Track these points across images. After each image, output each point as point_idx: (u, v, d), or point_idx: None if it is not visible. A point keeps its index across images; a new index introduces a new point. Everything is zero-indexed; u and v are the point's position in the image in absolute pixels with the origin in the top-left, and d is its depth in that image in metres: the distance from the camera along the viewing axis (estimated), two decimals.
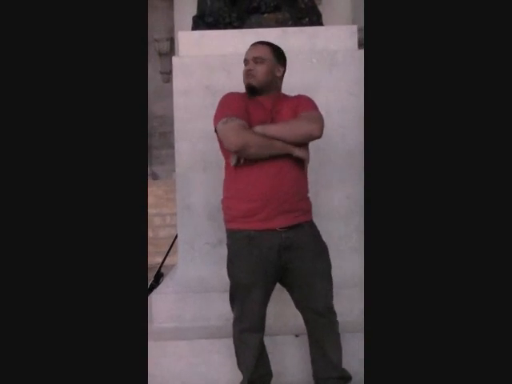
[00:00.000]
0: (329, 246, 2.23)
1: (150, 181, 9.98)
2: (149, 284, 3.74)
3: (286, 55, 2.29)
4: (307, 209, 2.21)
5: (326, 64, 2.83)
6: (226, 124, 2.08)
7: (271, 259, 2.11)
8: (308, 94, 2.30)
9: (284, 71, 2.26)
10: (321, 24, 3.15)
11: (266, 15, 3.04)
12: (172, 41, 9.85)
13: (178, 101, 2.86)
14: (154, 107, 10.47)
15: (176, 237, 3.02)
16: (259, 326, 2.19)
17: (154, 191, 8.45)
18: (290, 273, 2.15)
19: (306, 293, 2.18)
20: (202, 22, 3.09)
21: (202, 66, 2.85)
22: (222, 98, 2.22)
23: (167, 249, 4.21)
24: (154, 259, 5.52)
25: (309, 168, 2.21)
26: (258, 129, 2.07)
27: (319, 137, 2.12)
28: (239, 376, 2.28)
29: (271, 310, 2.27)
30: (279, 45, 2.31)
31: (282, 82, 2.27)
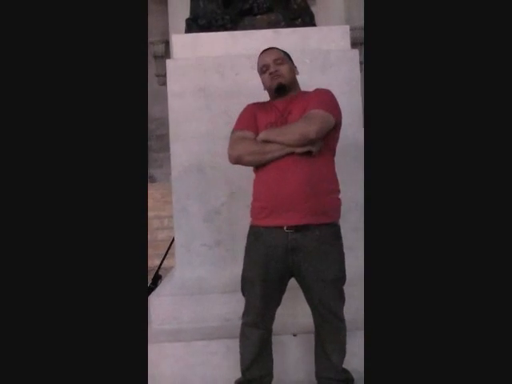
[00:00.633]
0: None
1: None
2: (147, 286, 3.76)
3: None
4: (323, 210, 2.13)
5: (319, 64, 2.85)
6: (230, 139, 2.20)
7: (276, 258, 2.11)
8: None
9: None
10: (314, 24, 3.17)
11: (258, 17, 3.06)
12: (167, 44, 9.86)
13: (173, 103, 2.87)
14: (151, 110, 10.46)
15: (173, 239, 3.03)
16: (260, 323, 2.19)
17: (152, 194, 8.44)
18: (297, 274, 2.16)
19: (312, 296, 2.18)
20: (195, 24, 3.10)
21: (196, 68, 2.86)
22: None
23: (165, 251, 4.22)
24: (152, 261, 5.52)
25: None
26: (261, 135, 2.13)
27: (315, 138, 2.08)
28: (237, 377, 2.29)
29: None
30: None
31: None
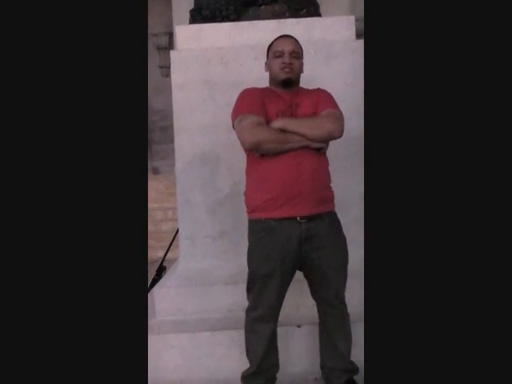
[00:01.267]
0: None
1: (151, 175, 9.98)
2: (151, 278, 3.77)
3: None
4: (328, 199, 2.21)
5: (324, 55, 2.83)
6: (241, 122, 2.12)
7: (290, 250, 2.12)
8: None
9: None
10: (318, 15, 3.15)
11: (263, 7, 3.04)
12: (171, 35, 9.80)
13: (177, 95, 2.86)
14: (154, 102, 10.45)
15: (177, 231, 3.03)
16: (272, 316, 2.21)
17: (156, 186, 8.44)
18: (308, 263, 2.16)
19: (321, 283, 2.20)
20: (199, 15, 3.08)
21: (200, 59, 2.85)
22: (239, 96, 2.24)
23: (169, 243, 4.22)
24: (156, 253, 5.53)
25: None
26: (279, 122, 2.10)
27: (339, 137, 2.15)
28: (242, 367, 2.30)
29: None
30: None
31: None
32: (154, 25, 10.21)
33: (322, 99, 2.20)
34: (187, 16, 3.18)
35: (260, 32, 2.81)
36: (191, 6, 3.20)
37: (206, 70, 2.84)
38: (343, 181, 2.63)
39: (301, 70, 2.26)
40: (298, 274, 2.22)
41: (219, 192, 2.83)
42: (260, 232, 2.16)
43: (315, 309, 2.29)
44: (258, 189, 2.18)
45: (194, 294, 2.76)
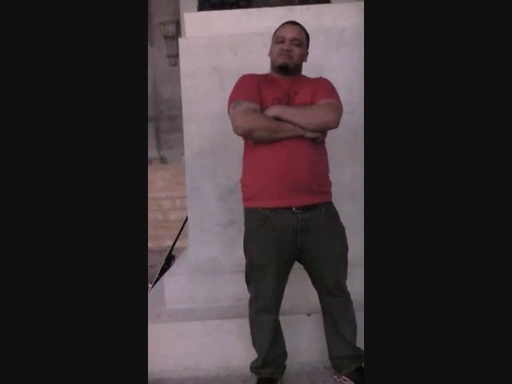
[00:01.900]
0: None
1: (159, 165, 10.00)
2: (160, 267, 3.79)
3: None
4: (325, 189, 2.18)
5: (334, 42, 2.81)
6: (235, 108, 2.10)
7: (286, 240, 2.10)
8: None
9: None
10: (328, 1, 3.12)
11: None
12: (178, 24, 9.77)
13: (186, 83, 2.85)
14: (162, 91, 10.45)
15: (186, 219, 3.04)
16: (274, 307, 2.21)
17: (164, 175, 8.47)
18: (305, 254, 2.15)
19: (319, 274, 2.19)
20: (207, 2, 3.07)
21: (209, 47, 2.83)
22: (236, 82, 2.23)
23: (178, 232, 4.24)
24: (164, 242, 5.55)
25: None
26: (274, 110, 2.07)
27: (335, 127, 2.11)
28: (251, 355, 2.31)
29: None
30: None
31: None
32: (161, 13, 10.19)
33: (322, 88, 2.16)
34: (195, 4, 3.16)
35: (269, 19, 2.78)
36: None
37: (214, 57, 2.82)
38: (352, 169, 2.62)
39: (301, 59, 2.22)
40: None
41: (228, 180, 2.82)
42: (256, 221, 2.14)
43: None
44: (252, 176, 2.16)
45: (203, 283, 2.76)
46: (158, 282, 3.40)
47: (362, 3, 2.95)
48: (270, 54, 2.25)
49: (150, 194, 5.62)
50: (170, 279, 2.84)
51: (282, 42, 2.18)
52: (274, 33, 2.26)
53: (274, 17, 2.78)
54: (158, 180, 8.22)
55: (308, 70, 2.29)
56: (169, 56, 10.44)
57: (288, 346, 2.32)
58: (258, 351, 2.27)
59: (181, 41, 2.89)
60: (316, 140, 2.11)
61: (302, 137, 2.07)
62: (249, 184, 2.18)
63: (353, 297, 2.24)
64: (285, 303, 2.26)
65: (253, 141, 2.13)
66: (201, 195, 2.85)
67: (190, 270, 2.82)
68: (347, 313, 2.25)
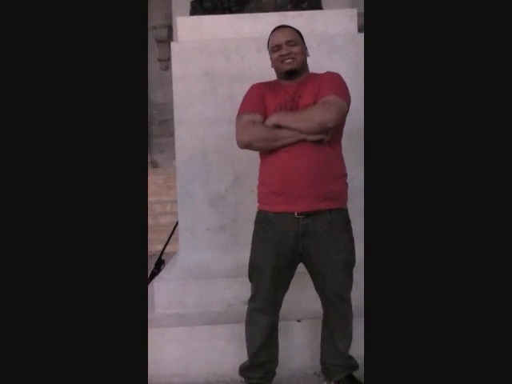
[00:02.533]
0: None
1: (150, 169, 9.95)
2: (150, 271, 3.76)
3: None
4: (332, 195, 2.13)
5: (326, 48, 2.81)
6: (237, 122, 2.16)
7: (286, 244, 2.10)
8: None
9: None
10: (320, 8, 3.13)
11: (264, 0, 3.02)
12: (170, 28, 9.74)
13: (177, 87, 2.84)
14: (153, 95, 10.41)
15: (176, 224, 3.02)
16: (270, 309, 2.20)
17: (154, 179, 8.41)
18: (306, 259, 2.15)
19: (319, 280, 2.19)
20: (200, 7, 3.07)
21: (201, 51, 2.83)
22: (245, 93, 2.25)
23: (168, 236, 4.21)
24: (154, 247, 5.51)
25: None
26: (273, 119, 2.08)
27: (332, 127, 2.07)
28: (241, 361, 2.30)
29: None
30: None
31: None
32: (153, 17, 10.17)
33: (323, 86, 2.13)
34: (187, 8, 3.16)
35: (262, 24, 2.78)
36: None
37: (207, 61, 2.82)
38: (349, 173, 2.60)
39: (303, 56, 2.21)
40: (300, 267, 2.21)
41: (220, 185, 2.82)
42: (260, 223, 2.18)
43: (316, 303, 2.27)
44: (261, 181, 2.21)
45: (193, 288, 2.75)
46: (148, 286, 3.38)
47: (355, 10, 2.98)
48: (272, 64, 2.25)
49: None
50: (159, 284, 2.82)
51: (279, 49, 2.17)
52: (268, 44, 2.26)
53: (267, 22, 2.77)
54: (148, 184, 8.17)
55: None
56: (160, 60, 10.42)
57: (279, 351, 2.31)
58: (248, 352, 2.25)
59: (173, 44, 2.88)
60: (322, 141, 2.07)
61: (305, 140, 2.06)
62: (259, 188, 2.22)
63: (353, 302, 2.23)
64: None
65: (256, 151, 2.18)
66: (192, 200, 2.84)
67: (180, 275, 2.80)
68: (345, 326, 2.23)
